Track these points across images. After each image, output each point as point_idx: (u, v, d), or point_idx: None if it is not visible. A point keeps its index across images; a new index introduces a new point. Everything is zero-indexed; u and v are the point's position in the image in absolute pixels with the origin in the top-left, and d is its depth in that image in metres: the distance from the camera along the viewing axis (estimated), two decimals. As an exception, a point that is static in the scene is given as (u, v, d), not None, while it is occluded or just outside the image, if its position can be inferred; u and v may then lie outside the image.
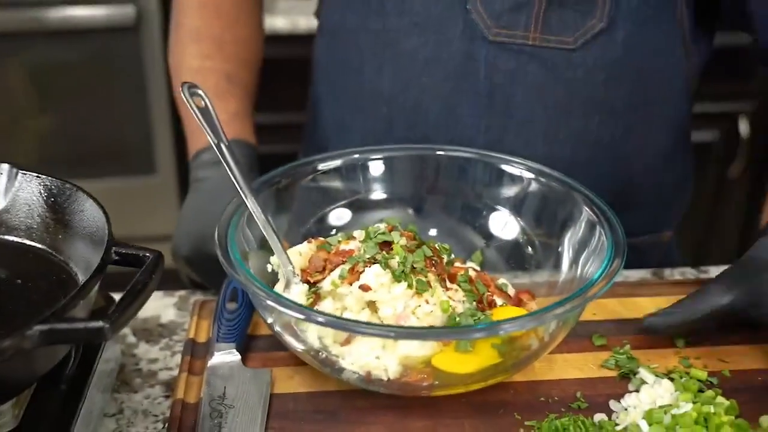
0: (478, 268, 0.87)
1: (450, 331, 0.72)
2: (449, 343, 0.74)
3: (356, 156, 0.89)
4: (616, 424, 0.71)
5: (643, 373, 0.77)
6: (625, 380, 0.79)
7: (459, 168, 0.88)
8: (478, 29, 0.94)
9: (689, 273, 1.03)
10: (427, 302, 0.75)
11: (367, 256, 0.76)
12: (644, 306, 0.89)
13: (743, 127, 2.26)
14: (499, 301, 0.81)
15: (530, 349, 0.75)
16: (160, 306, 0.95)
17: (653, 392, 0.74)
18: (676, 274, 1.03)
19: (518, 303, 0.82)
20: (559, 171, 0.90)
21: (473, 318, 0.76)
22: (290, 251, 0.81)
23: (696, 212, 1.17)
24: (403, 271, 0.74)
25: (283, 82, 1.86)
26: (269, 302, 0.69)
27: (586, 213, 0.81)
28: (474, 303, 0.79)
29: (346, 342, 0.75)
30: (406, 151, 0.90)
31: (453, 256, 0.87)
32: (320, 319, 0.67)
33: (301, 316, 0.68)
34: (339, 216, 0.88)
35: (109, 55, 2.08)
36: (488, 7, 0.93)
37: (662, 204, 1.12)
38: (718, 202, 2.42)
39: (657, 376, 0.77)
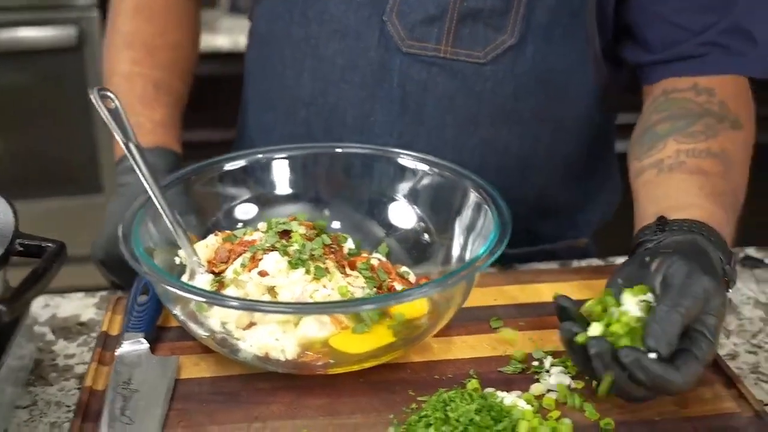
0: (384, 259, 0.91)
1: (342, 304, 0.76)
2: (347, 326, 0.77)
3: (260, 156, 0.93)
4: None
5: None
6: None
7: (358, 164, 0.93)
8: (392, 40, 0.98)
9: (596, 262, 1.08)
10: (325, 287, 0.78)
11: (267, 245, 0.80)
12: (543, 291, 0.93)
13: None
14: (399, 286, 0.84)
15: (422, 329, 0.79)
16: (81, 306, 0.98)
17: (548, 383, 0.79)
18: (583, 263, 1.07)
19: (419, 289, 0.86)
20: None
21: (371, 303, 0.80)
22: (198, 244, 0.84)
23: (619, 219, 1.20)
24: (299, 258, 0.78)
25: (225, 99, 1.91)
26: (169, 288, 0.72)
27: (474, 197, 0.86)
28: (374, 289, 0.82)
29: (249, 326, 0.78)
30: (307, 150, 0.94)
31: (360, 248, 0.91)
32: (213, 299, 0.71)
33: (201, 299, 0.72)
34: (246, 211, 0.92)
35: (53, 75, 2.11)
36: (402, 19, 0.98)
37: (578, 213, 1.17)
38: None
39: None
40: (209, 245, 0.84)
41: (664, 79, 1.00)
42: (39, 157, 2.22)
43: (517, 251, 1.11)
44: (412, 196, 0.91)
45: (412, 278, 0.88)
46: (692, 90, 0.97)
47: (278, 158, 0.93)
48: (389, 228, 0.92)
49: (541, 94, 1.00)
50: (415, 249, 0.91)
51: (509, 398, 0.75)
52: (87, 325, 0.94)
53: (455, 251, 0.87)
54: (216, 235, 0.85)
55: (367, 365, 0.78)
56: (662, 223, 0.84)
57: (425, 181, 0.90)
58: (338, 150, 0.93)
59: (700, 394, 0.77)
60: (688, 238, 0.80)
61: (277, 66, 1.07)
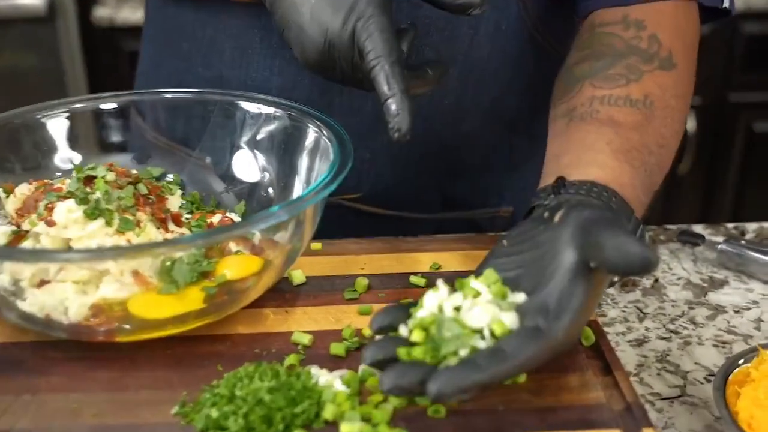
0: (237, 218, 0.79)
1: (126, 249, 0.64)
2: (152, 286, 0.66)
3: (83, 105, 0.82)
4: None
5: None
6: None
7: (193, 110, 0.81)
8: None
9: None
10: (129, 242, 0.67)
11: (68, 192, 0.69)
12: (422, 261, 0.80)
13: (690, 122, 2.17)
14: (235, 247, 0.73)
15: (241, 293, 0.67)
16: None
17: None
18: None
19: (260, 252, 0.74)
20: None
21: (193, 264, 0.69)
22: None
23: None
24: (97, 207, 0.67)
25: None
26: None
27: (314, 136, 0.74)
28: (203, 249, 0.71)
29: (42, 284, 0.67)
30: (134, 96, 0.83)
31: (219, 208, 0.80)
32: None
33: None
34: (68, 160, 0.81)
35: (24, 46, 2.05)
36: None
37: (502, 176, 1.03)
38: (670, 199, 2.32)
39: None
40: (20, 194, 0.74)
41: (594, 10, 0.86)
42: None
43: (427, 216, 0.98)
44: (255, 144, 0.79)
45: (257, 239, 0.76)
46: (621, 23, 0.82)
47: (104, 106, 0.82)
48: (231, 181, 0.80)
49: (443, 27, 0.87)
50: (259, 205, 0.79)
51: (325, 378, 0.63)
52: None
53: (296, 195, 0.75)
54: (30, 183, 0.75)
55: (165, 333, 0.66)
56: (559, 185, 0.71)
57: (268, 125, 0.78)
58: (167, 96, 0.82)
59: (564, 382, 0.64)
60: (583, 201, 0.67)
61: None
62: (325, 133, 0.74)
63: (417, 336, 0.59)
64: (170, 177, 0.81)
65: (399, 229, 0.94)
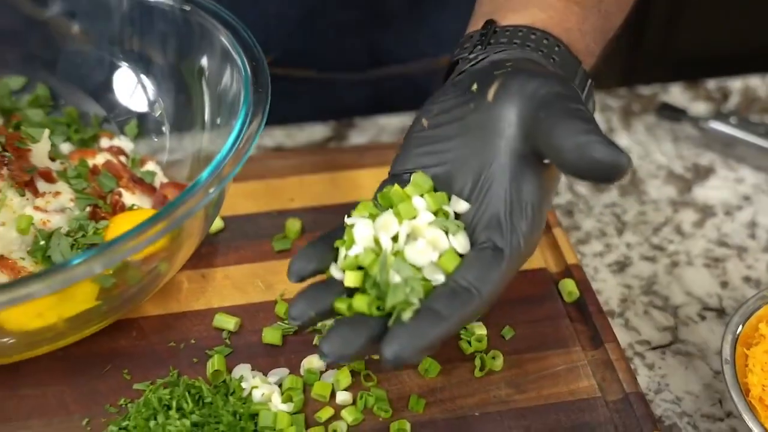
0: (128, 146, 0.63)
1: None
2: (25, 272, 0.51)
3: None
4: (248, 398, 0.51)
5: None
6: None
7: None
8: None
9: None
10: (-16, 224, 0.51)
11: None
12: (364, 183, 0.66)
13: None
14: (130, 200, 0.57)
15: (148, 278, 0.53)
16: None
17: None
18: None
19: (163, 200, 0.59)
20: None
21: (76, 237, 0.53)
22: None
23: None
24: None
25: None
26: None
27: (221, 47, 0.55)
28: (87, 209, 0.56)
29: None
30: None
31: (101, 127, 0.63)
32: None
33: None
34: None
35: None
36: None
37: (436, 16, 0.85)
38: None
39: None
40: None
41: None
42: None
43: (354, 77, 0.82)
44: (141, 59, 0.60)
45: (159, 181, 0.60)
46: None
47: None
48: (113, 110, 0.62)
49: None
50: (154, 125, 0.62)
51: (260, 391, 0.51)
52: None
53: (205, 141, 0.58)
54: None
55: (51, 348, 0.52)
56: (487, 31, 0.55)
57: (157, 27, 0.59)
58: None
59: (548, 365, 0.54)
60: (517, 55, 0.52)
61: None
62: (231, 40, 0.56)
63: (352, 279, 0.45)
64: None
65: (322, 96, 0.79)
